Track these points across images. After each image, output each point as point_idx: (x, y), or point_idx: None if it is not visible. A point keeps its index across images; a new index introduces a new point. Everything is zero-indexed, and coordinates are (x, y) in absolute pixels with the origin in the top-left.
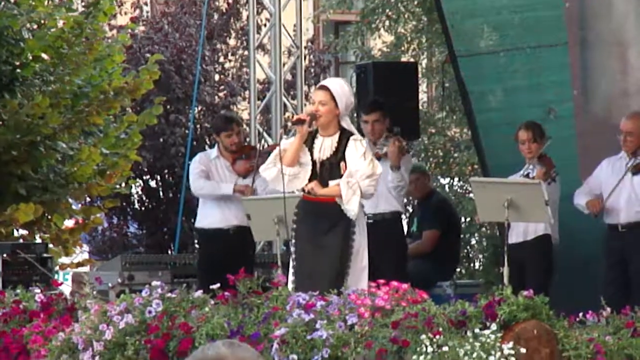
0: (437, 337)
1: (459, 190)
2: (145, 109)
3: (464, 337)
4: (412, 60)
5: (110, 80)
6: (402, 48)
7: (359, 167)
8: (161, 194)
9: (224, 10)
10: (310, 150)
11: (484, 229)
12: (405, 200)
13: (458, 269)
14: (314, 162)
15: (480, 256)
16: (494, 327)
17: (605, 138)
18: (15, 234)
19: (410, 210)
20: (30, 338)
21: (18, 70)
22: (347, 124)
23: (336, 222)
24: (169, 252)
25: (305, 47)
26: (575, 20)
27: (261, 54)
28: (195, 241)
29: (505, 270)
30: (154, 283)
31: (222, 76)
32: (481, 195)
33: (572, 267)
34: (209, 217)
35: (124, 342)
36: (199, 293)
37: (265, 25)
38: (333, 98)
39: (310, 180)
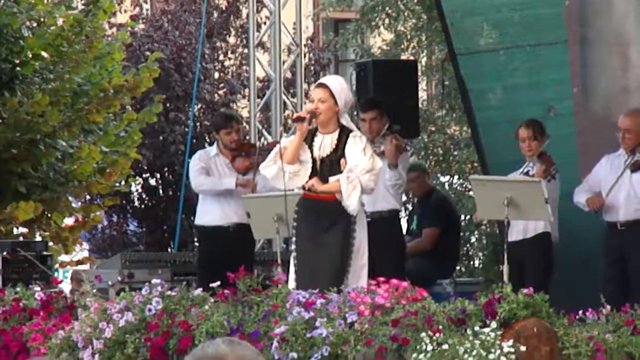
0: (437, 335)
1: (458, 188)
2: (145, 107)
3: (463, 335)
4: (411, 58)
5: (110, 78)
6: (402, 46)
7: (359, 162)
8: (161, 192)
9: (224, 8)
10: (310, 147)
11: (483, 226)
12: (405, 198)
13: (458, 267)
14: (314, 160)
15: (480, 254)
16: (493, 325)
17: (605, 136)
18: (15, 232)
19: (410, 208)
20: (30, 336)
21: (18, 69)
22: (346, 121)
23: (336, 220)
24: (169, 250)
25: (305, 45)
26: (575, 18)
27: (261, 52)
28: (195, 239)
29: (505, 268)
30: (154, 281)
31: (221, 74)
32: (481, 193)
33: (572, 265)
34: (208, 214)
35: (123, 340)
36: (199, 291)
37: (265, 23)
38: (332, 95)
39: (310, 177)
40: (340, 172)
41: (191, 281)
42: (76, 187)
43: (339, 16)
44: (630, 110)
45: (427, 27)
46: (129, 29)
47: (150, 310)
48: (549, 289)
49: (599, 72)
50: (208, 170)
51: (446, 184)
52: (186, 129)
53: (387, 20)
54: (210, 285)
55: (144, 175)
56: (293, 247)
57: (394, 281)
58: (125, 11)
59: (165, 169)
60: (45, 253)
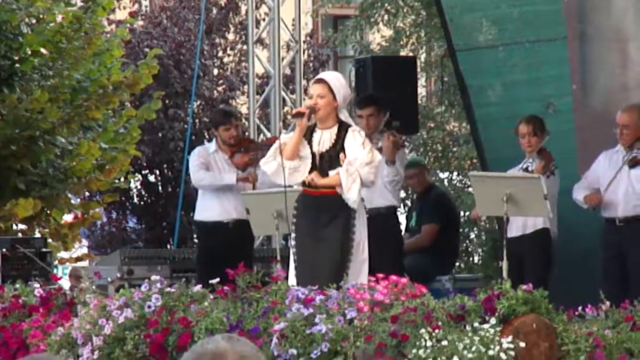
0: (437, 331)
1: (458, 184)
2: (144, 103)
3: (463, 331)
4: (411, 54)
5: (109, 74)
6: (401, 42)
7: (358, 155)
8: (160, 188)
9: (223, 5)
10: (309, 143)
11: (483, 223)
12: (404, 194)
13: (457, 263)
14: (313, 155)
15: (479, 250)
16: (493, 321)
17: (604, 132)
18: (15, 228)
19: (409, 204)
20: (30, 333)
21: (17, 65)
22: (345, 116)
23: (336, 214)
24: (168, 246)
25: (304, 42)
26: (574, 14)
27: (260, 48)
28: (194, 235)
29: (504, 264)
30: (153, 277)
31: (221, 71)
32: (480, 189)
33: (571, 261)
34: (208, 210)
35: (123, 336)
36: (198, 287)
37: (264, 19)
38: (331, 90)
39: (310, 173)
40: (340, 166)
41: (190, 278)
42: (75, 183)
43: (338, 12)
44: (628, 106)
45: (426, 23)
46: (128, 25)
47: (149, 306)
48: (548, 285)
49: (598, 69)
50: (208, 165)
51: (445, 181)
52: (185, 126)
53: (386, 17)
54: (210, 281)
55: (143, 172)
56: (293, 243)
57: (393, 277)
58: (124, 8)
59: (165, 165)
60: (44, 250)
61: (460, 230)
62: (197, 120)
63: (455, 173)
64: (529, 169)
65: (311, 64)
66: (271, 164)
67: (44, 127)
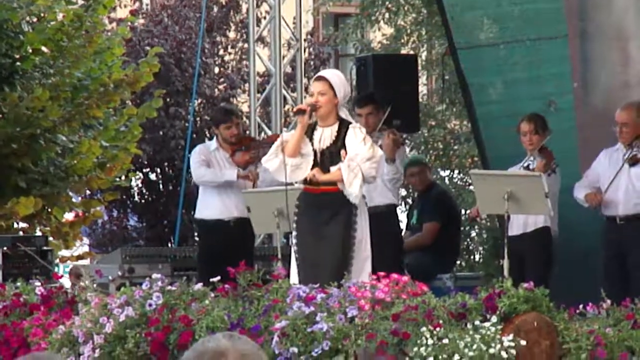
0: (438, 329)
1: (459, 182)
2: (145, 101)
3: (464, 329)
4: (411, 52)
5: (110, 73)
6: (402, 40)
7: (359, 151)
8: (161, 186)
9: (224, 3)
10: (310, 141)
11: (484, 221)
12: (405, 192)
13: (458, 262)
14: (314, 152)
15: (480, 248)
16: (494, 319)
17: (605, 130)
18: (16, 227)
19: (411, 202)
20: (31, 331)
21: (18, 63)
22: (345, 114)
23: (338, 210)
24: (169, 244)
25: (305, 40)
26: (575, 12)
27: (261, 46)
28: (195, 233)
29: (505, 262)
30: (154, 276)
31: (221, 69)
32: (481, 187)
33: (572, 259)
34: (209, 208)
35: (124, 335)
36: (199, 286)
37: (265, 17)
38: (331, 88)
39: (311, 170)
40: (341, 162)
41: (191, 276)
42: (76, 182)
43: (338, 11)
44: (627, 104)
45: (427, 21)
46: (129, 23)
47: (150, 305)
48: (549, 283)
49: (599, 67)
50: (209, 163)
51: (446, 179)
52: (186, 124)
53: (387, 15)
54: (211, 280)
55: (144, 170)
56: (294, 241)
57: (395, 276)
58: (125, 6)
59: (166, 163)
60: (45, 248)
61: (461, 228)
62: (198, 119)
63: (456, 171)
64: (530, 167)
65: (312, 62)
66: (273, 161)
67: (45, 125)
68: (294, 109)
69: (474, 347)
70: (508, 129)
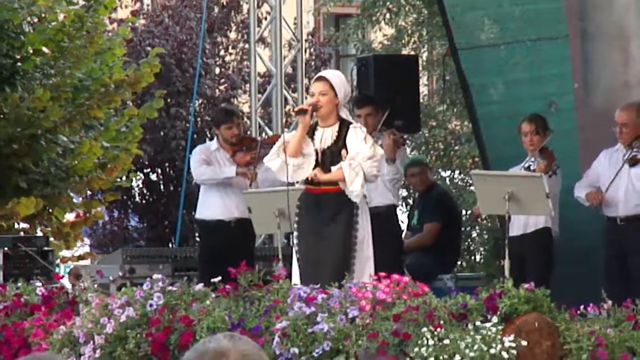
0: (439, 329)
1: (459, 183)
2: (145, 102)
3: (465, 329)
4: (412, 53)
5: (111, 73)
6: (403, 41)
7: (360, 150)
8: (162, 187)
9: (225, 3)
10: (311, 141)
11: (484, 221)
12: (406, 193)
13: (459, 262)
14: (315, 152)
15: (481, 249)
16: (495, 319)
17: (606, 131)
18: (16, 227)
19: (411, 203)
20: (32, 331)
21: (19, 64)
22: (345, 114)
23: (339, 210)
24: (170, 245)
25: (305, 40)
26: (576, 12)
27: (262, 47)
28: (196, 234)
29: (506, 263)
30: (155, 276)
31: (222, 69)
32: (482, 188)
33: (573, 260)
34: (210, 209)
35: (125, 335)
36: (200, 286)
37: (265, 18)
38: (332, 88)
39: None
40: (342, 161)
41: (192, 276)
42: (77, 182)
43: (339, 11)
44: (626, 105)
45: (427, 21)
46: (130, 24)
47: (151, 305)
48: (550, 283)
49: (600, 67)
50: (209, 163)
51: (447, 179)
52: (187, 124)
53: (387, 15)
54: (212, 280)
55: (145, 171)
56: (295, 242)
57: (395, 276)
58: (126, 6)
59: (166, 164)
60: (46, 248)
61: (462, 228)
62: (198, 119)
63: (457, 172)
64: (531, 167)
65: (313, 63)
66: (275, 161)
67: (45, 125)
68: (296, 109)
69: (475, 347)
70: (509, 130)
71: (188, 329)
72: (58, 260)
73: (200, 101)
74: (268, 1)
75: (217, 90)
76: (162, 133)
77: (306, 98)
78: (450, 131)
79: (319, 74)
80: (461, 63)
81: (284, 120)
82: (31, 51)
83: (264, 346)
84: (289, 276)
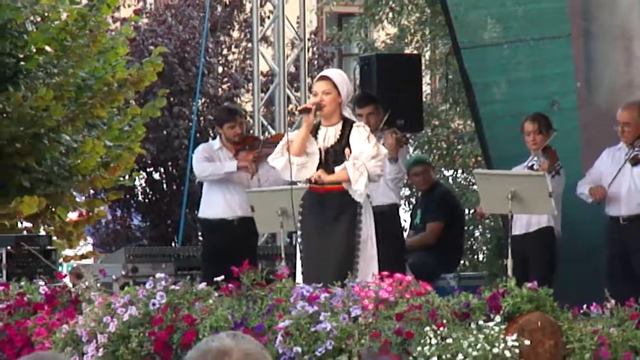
0: (441, 329)
1: (462, 182)
2: (148, 101)
3: (467, 329)
4: (415, 52)
5: (114, 72)
6: (406, 40)
7: (364, 149)
8: (165, 186)
9: (227, 2)
10: (315, 140)
11: (487, 220)
12: (409, 192)
13: (462, 261)
14: (318, 151)
15: (484, 248)
16: (497, 319)
17: (609, 130)
18: (20, 226)
19: (414, 202)
20: (35, 330)
21: (22, 63)
22: (348, 113)
23: (343, 210)
24: (173, 244)
25: (308, 40)
26: (579, 12)
27: (264, 46)
28: (199, 233)
29: (509, 262)
30: (158, 275)
31: (225, 68)
32: (485, 187)
33: (576, 259)
34: (212, 207)
35: (127, 334)
36: (203, 285)
37: (268, 17)
38: (335, 87)
39: (317, 169)
40: (346, 161)
41: (195, 275)
42: (80, 181)
43: (342, 10)
44: (628, 104)
45: (430, 21)
46: (133, 23)
47: (154, 304)
48: (553, 282)
49: (603, 66)
50: (212, 161)
51: (450, 178)
52: (190, 124)
53: (390, 14)
54: (214, 279)
55: (147, 170)
56: (299, 241)
57: (398, 275)
58: (129, 5)
59: (169, 163)
60: (49, 247)
61: (465, 228)
62: (201, 118)
63: (459, 171)
64: (534, 167)
65: (316, 62)
66: (279, 160)
67: (48, 124)
68: (299, 108)
69: (478, 346)
70: (512, 129)
71: (191, 328)
72: (61, 259)
73: (203, 100)
74: (271, 0)
75: (219, 90)
76: (164, 132)
77: (309, 97)
78: (453, 130)
79: (322, 73)
80: (464, 62)
81: (287, 119)
82: (34, 50)
83: (267, 345)
84: (292, 275)
